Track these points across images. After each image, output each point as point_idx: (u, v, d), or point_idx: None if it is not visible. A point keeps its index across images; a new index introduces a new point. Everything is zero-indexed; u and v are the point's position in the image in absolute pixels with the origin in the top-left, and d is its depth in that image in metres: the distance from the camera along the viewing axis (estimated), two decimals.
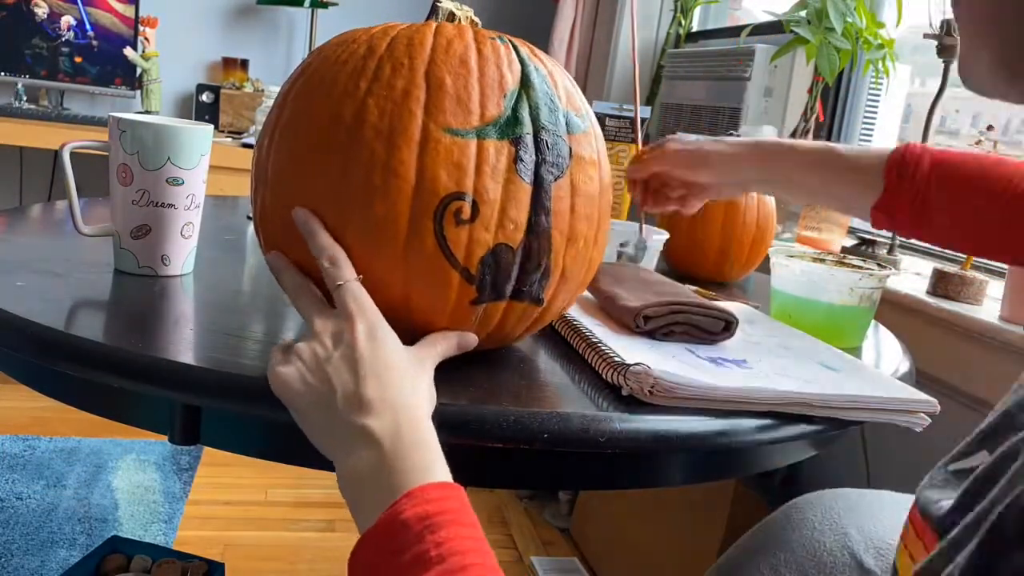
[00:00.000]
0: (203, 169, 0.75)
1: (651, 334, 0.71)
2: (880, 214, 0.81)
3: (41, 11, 2.41)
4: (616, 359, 0.61)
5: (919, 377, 0.82)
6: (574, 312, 0.74)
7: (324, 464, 0.49)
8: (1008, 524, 0.31)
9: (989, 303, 1.16)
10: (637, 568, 1.60)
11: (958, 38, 0.40)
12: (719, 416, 0.58)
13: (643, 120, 1.24)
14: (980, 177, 0.77)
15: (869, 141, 1.77)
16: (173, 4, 2.65)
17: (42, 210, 1.03)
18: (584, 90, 2.55)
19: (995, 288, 1.18)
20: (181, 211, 0.74)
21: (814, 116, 1.68)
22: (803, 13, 1.58)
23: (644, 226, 0.99)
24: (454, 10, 0.60)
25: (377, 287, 0.54)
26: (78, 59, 2.47)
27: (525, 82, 0.56)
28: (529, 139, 0.55)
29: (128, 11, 2.49)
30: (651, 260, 0.94)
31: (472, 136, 0.54)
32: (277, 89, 0.67)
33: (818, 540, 0.72)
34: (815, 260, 0.87)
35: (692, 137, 0.91)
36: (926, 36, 1.27)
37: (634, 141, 1.24)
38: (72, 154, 0.72)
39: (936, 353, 1.11)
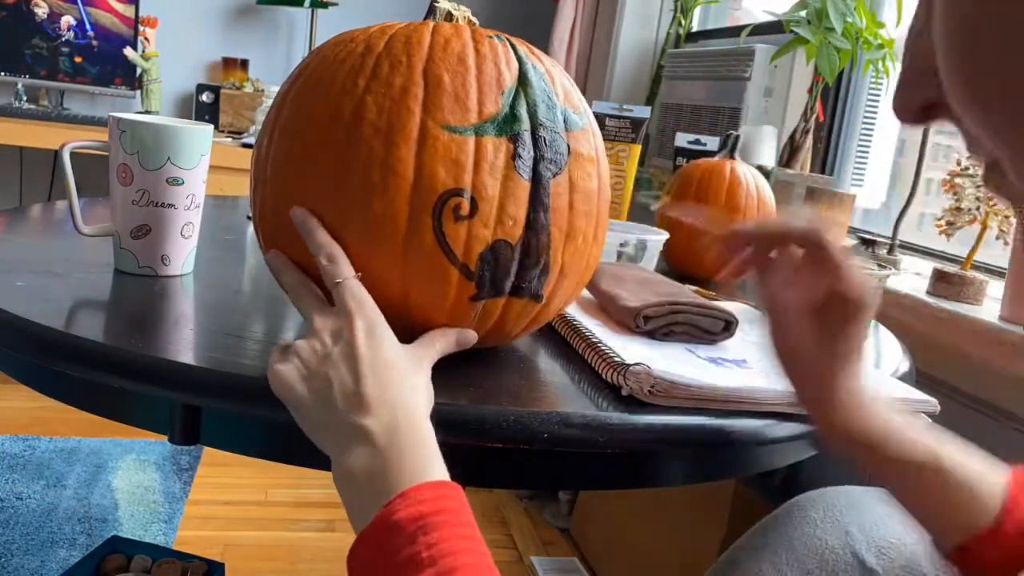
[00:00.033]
0: (203, 169, 0.75)
1: (651, 334, 0.71)
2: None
3: (41, 11, 2.41)
4: (616, 359, 0.61)
5: (919, 377, 0.82)
6: (574, 312, 0.74)
7: (324, 464, 0.49)
8: None
9: (989, 303, 1.16)
10: (637, 568, 1.60)
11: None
12: (719, 416, 0.58)
13: (643, 120, 1.24)
14: None
15: (869, 141, 1.77)
16: (173, 4, 2.65)
17: (42, 210, 1.03)
18: (584, 90, 2.55)
19: (995, 288, 1.18)
20: (181, 211, 0.74)
21: (814, 116, 1.68)
22: (803, 13, 1.58)
23: (643, 226, 0.99)
24: (452, 10, 0.61)
25: (376, 284, 0.54)
26: (78, 59, 2.47)
27: (523, 80, 0.57)
28: (527, 136, 0.55)
29: (128, 11, 2.49)
30: (651, 260, 0.94)
31: (470, 133, 0.54)
32: (277, 89, 0.67)
33: (820, 538, 0.72)
34: None
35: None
36: None
37: (635, 141, 1.24)
38: (72, 154, 0.72)
39: (936, 353, 1.11)
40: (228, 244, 0.97)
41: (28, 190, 2.64)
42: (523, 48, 0.59)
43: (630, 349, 0.65)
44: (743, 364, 0.67)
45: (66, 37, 2.45)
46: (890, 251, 1.40)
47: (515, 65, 0.57)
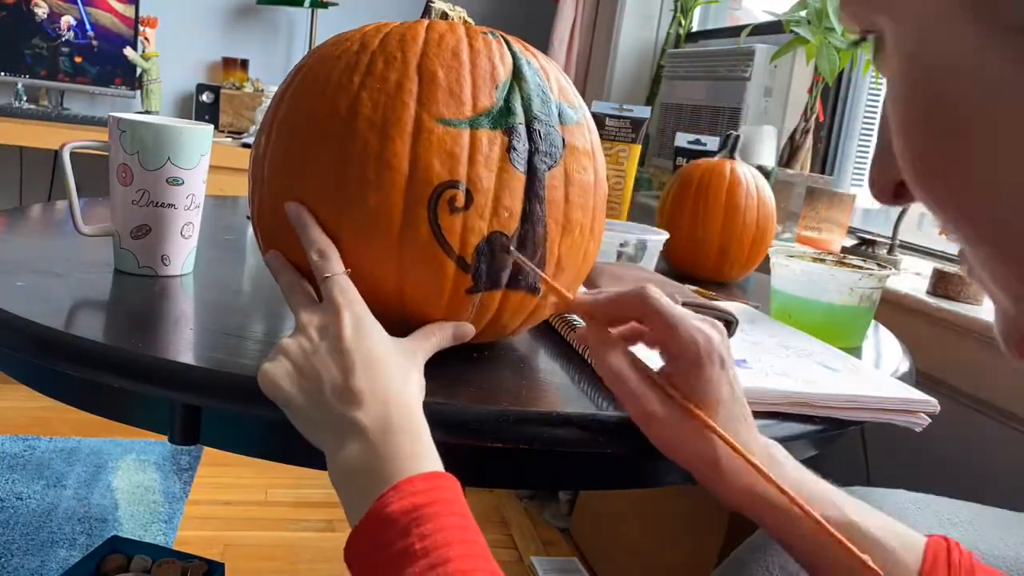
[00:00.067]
0: (203, 169, 0.75)
1: None
2: None
3: (41, 11, 2.41)
4: None
5: (919, 377, 0.82)
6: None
7: (323, 464, 0.49)
8: None
9: (989, 303, 1.16)
10: (637, 568, 1.60)
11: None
12: None
13: (643, 120, 1.24)
14: None
15: (869, 141, 1.77)
16: (173, 4, 2.65)
17: (42, 210, 1.03)
18: (584, 90, 2.56)
19: None
20: (181, 211, 0.74)
21: (814, 116, 1.68)
22: (803, 13, 1.58)
23: (643, 226, 0.99)
24: (447, 10, 0.61)
25: (372, 279, 0.54)
26: (78, 59, 2.47)
27: (517, 74, 0.57)
28: (522, 129, 0.55)
29: (128, 11, 2.49)
30: (651, 260, 0.94)
31: (465, 126, 0.54)
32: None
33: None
34: (815, 260, 0.87)
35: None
36: None
37: (635, 141, 1.24)
38: (72, 154, 0.72)
39: (936, 353, 1.11)
40: (228, 244, 0.97)
41: (28, 190, 2.64)
42: (517, 44, 0.60)
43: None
44: (743, 364, 0.67)
45: (66, 37, 2.45)
46: (890, 251, 1.40)
47: (509, 60, 0.57)
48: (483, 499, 1.99)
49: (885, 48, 0.29)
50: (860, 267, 0.85)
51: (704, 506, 1.42)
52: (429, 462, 0.45)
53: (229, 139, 2.41)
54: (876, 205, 1.74)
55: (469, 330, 0.57)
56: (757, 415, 0.59)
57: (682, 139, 1.45)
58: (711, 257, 1.08)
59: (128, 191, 0.72)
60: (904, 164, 0.28)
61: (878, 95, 1.74)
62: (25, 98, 2.50)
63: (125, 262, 0.74)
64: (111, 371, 0.55)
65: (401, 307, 0.56)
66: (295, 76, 0.59)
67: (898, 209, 1.39)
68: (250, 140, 2.34)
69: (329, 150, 0.54)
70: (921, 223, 1.58)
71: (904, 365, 0.80)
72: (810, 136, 1.69)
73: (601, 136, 0.72)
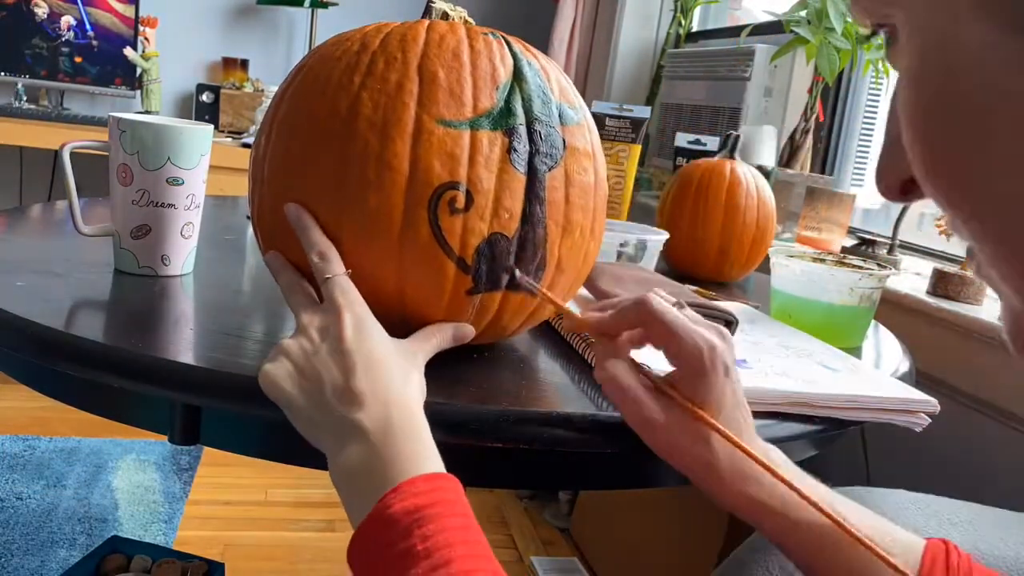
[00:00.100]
0: (203, 169, 0.75)
1: None
2: None
3: (41, 11, 2.41)
4: None
5: (919, 377, 0.82)
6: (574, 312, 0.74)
7: (323, 464, 0.49)
8: None
9: (989, 303, 1.16)
10: (637, 568, 1.60)
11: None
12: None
13: (643, 120, 1.24)
14: None
15: (869, 141, 1.77)
16: (173, 4, 2.65)
17: (42, 210, 1.03)
18: (584, 90, 2.56)
19: None
20: (181, 211, 0.74)
21: (814, 116, 1.68)
22: (803, 13, 1.58)
23: (643, 226, 0.99)
24: (448, 10, 0.61)
25: (372, 280, 0.54)
26: (78, 59, 2.47)
27: (518, 75, 0.57)
28: (522, 130, 0.55)
29: (128, 11, 2.49)
30: (651, 260, 0.94)
31: (465, 127, 0.54)
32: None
33: None
34: (815, 260, 0.87)
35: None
36: None
37: (635, 141, 1.24)
38: (72, 154, 0.72)
39: (936, 353, 1.11)
40: (228, 244, 0.97)
41: (28, 190, 2.64)
42: (518, 45, 0.60)
43: (636, 352, 0.64)
44: (743, 364, 0.67)
45: (66, 37, 2.45)
46: (890, 251, 1.40)
47: (510, 61, 0.57)
48: (483, 499, 1.99)
49: (897, 41, 0.29)
50: (860, 267, 0.85)
51: (704, 506, 1.42)
52: (430, 463, 0.45)
53: (229, 139, 2.41)
54: (876, 205, 1.74)
55: (469, 331, 0.57)
56: (757, 415, 0.59)
57: (682, 139, 1.45)
58: (711, 257, 1.08)
59: (128, 191, 0.72)
60: (914, 157, 0.28)
61: (878, 95, 1.74)
62: (25, 98, 2.50)
63: (125, 262, 0.74)
64: (111, 371, 0.55)
65: (401, 308, 0.56)
66: (295, 76, 0.59)
67: (898, 209, 1.39)
68: (250, 140, 2.34)
69: (329, 150, 0.54)
70: (921, 223, 1.58)
71: (904, 365, 0.80)
72: (810, 136, 1.69)
73: (601, 136, 0.72)
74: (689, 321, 0.52)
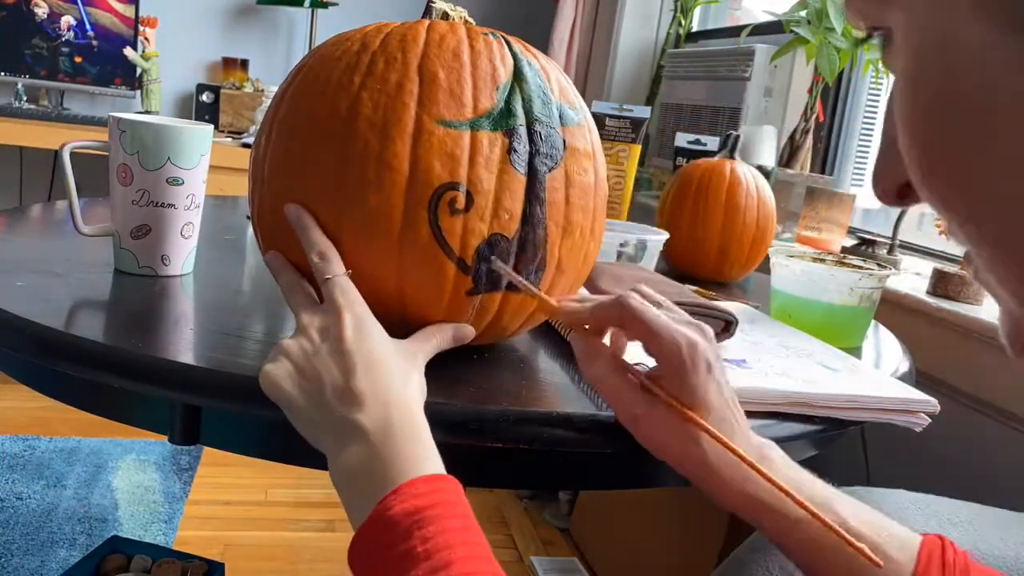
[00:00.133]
0: (203, 169, 0.75)
1: None
2: None
3: (41, 11, 2.41)
4: None
5: (919, 377, 0.82)
6: None
7: (323, 464, 0.49)
8: None
9: (989, 303, 1.16)
10: (637, 568, 1.60)
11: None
12: None
13: (643, 120, 1.24)
14: None
15: (869, 141, 1.77)
16: (173, 4, 2.65)
17: (42, 210, 1.03)
18: (584, 90, 2.56)
19: None
20: (181, 211, 0.74)
21: (814, 116, 1.68)
22: (803, 13, 1.58)
23: (643, 226, 0.99)
24: (448, 10, 0.61)
25: (372, 280, 0.54)
26: (78, 59, 2.47)
27: (518, 75, 0.57)
28: (523, 130, 0.55)
29: (128, 11, 2.49)
30: (651, 260, 0.94)
31: (465, 128, 0.54)
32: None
33: None
34: (815, 260, 0.87)
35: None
36: None
37: (635, 141, 1.24)
38: (72, 154, 0.72)
39: (936, 353, 1.11)
40: (228, 244, 0.97)
41: (28, 190, 2.64)
42: (518, 45, 0.60)
43: (629, 349, 0.65)
44: (743, 364, 0.67)
45: (66, 37, 2.45)
46: (890, 251, 1.40)
47: (510, 61, 0.57)
48: (483, 499, 1.99)
49: (893, 43, 0.29)
50: (860, 267, 0.85)
51: (704, 506, 1.42)
52: (430, 464, 0.45)
53: (229, 139, 2.41)
54: (876, 205, 1.74)
55: (469, 332, 0.57)
56: (757, 415, 0.59)
57: (682, 139, 1.45)
58: (711, 257, 1.08)
59: (128, 191, 0.72)
60: (910, 161, 0.28)
61: (878, 95, 1.74)
62: (25, 98, 2.50)
63: (125, 262, 0.74)
64: (111, 371, 0.55)
65: (401, 308, 0.56)
66: (295, 76, 0.59)
67: (898, 209, 1.39)
68: (250, 140, 2.34)
69: (329, 150, 0.54)
70: (921, 223, 1.58)
71: (904, 365, 0.80)
72: (810, 136, 1.69)
73: (601, 136, 0.72)
74: (669, 319, 0.52)
